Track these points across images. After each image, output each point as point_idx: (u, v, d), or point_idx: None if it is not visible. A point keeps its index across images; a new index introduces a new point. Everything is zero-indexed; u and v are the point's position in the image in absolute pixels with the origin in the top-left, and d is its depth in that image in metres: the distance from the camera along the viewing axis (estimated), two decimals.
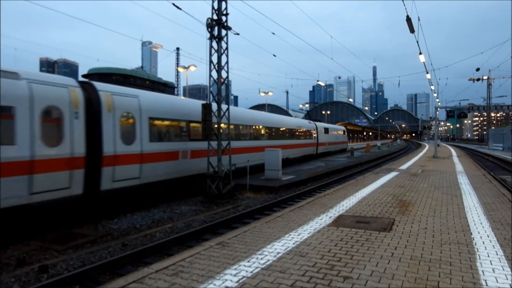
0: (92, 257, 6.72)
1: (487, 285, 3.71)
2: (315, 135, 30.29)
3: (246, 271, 4.11)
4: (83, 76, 15.36)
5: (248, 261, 4.45)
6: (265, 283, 3.78)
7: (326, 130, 34.25)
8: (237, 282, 3.81)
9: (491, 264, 4.31)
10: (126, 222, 9.34)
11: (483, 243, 5.15)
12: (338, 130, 41.10)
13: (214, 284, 3.75)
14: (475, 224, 6.30)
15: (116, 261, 6.33)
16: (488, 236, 5.52)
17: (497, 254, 4.66)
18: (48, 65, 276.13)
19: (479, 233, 5.72)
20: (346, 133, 45.34)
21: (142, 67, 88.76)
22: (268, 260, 4.49)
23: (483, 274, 3.99)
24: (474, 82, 53.84)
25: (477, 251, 4.82)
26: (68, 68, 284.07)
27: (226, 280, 3.87)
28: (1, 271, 6.04)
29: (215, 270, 4.16)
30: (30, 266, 6.22)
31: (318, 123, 32.60)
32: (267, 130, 21.05)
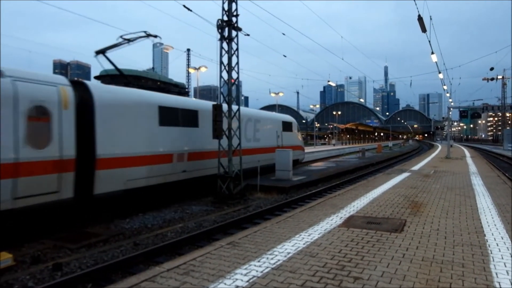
0: (105, 256, 6.81)
1: (500, 287, 3.66)
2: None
3: (257, 271, 4.12)
4: (95, 77, 15.54)
5: (259, 261, 4.46)
6: (275, 283, 3.79)
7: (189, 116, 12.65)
8: (247, 281, 3.83)
9: (505, 266, 4.25)
10: (138, 222, 9.44)
11: (497, 245, 5.07)
12: (262, 120, 17.89)
13: (225, 284, 3.78)
14: (488, 225, 6.21)
15: (128, 260, 6.41)
16: (502, 238, 5.43)
17: (511, 256, 4.58)
18: (61, 67, 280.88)
19: (492, 234, 5.63)
20: (296, 128, 22.29)
21: (153, 68, 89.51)
22: (279, 260, 4.49)
23: (497, 276, 3.93)
24: (488, 81, 52.84)
25: (491, 253, 4.74)
26: (80, 70, 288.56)
27: (236, 279, 3.89)
28: (17, 268, 6.17)
29: (225, 270, 4.18)
30: (44, 264, 6.34)
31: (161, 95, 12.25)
32: None
